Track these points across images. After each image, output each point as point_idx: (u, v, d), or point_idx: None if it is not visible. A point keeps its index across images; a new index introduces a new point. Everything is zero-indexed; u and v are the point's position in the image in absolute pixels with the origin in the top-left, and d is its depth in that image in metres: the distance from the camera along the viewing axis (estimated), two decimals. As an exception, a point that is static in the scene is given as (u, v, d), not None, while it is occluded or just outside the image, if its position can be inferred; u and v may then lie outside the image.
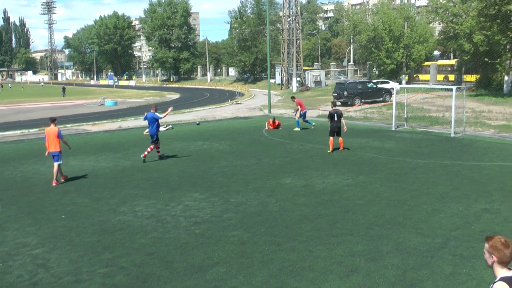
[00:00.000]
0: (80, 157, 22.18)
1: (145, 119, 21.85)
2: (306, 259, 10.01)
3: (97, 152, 23.41)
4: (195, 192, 15.70)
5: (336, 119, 22.23)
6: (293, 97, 33.49)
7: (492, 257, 4.81)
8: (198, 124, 34.46)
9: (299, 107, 30.85)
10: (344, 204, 13.98)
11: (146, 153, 21.11)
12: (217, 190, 15.90)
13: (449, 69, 74.29)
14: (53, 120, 17.60)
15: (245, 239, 11.26)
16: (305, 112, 31.15)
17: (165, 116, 21.61)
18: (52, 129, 17.27)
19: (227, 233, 11.69)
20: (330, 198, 14.67)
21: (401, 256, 10.07)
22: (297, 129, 30.44)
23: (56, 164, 17.19)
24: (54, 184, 17.20)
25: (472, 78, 63.07)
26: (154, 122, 21.11)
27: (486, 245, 4.91)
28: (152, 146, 21.28)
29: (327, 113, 23.09)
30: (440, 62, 76.50)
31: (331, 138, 22.33)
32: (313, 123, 31.18)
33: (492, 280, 4.85)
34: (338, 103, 47.21)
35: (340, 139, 22.47)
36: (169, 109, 22.29)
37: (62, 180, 17.64)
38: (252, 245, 10.88)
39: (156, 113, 21.37)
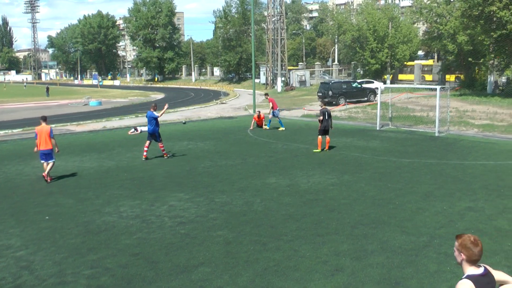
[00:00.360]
0: (65, 158, 22.04)
1: (146, 117, 21.98)
2: (291, 259, 10.01)
3: (81, 153, 23.28)
4: (180, 192, 15.65)
5: (326, 118, 22.27)
6: (266, 94, 33.71)
7: (461, 255, 4.92)
8: (184, 123, 34.43)
9: (271, 104, 30.97)
10: (329, 203, 14.00)
11: (164, 152, 21.64)
12: (202, 190, 15.87)
13: (426, 69, 75.24)
14: (44, 119, 17.71)
15: (230, 239, 11.24)
16: (278, 111, 31.17)
17: (162, 114, 21.66)
18: (44, 127, 17.40)
19: (212, 233, 11.67)
20: (315, 197, 14.69)
21: (386, 254, 10.10)
22: (282, 128, 30.43)
23: (48, 163, 17.44)
24: (49, 181, 17.40)
25: (451, 77, 63.70)
26: (153, 121, 21.14)
27: (456, 243, 5.00)
28: (161, 145, 21.55)
29: (318, 111, 22.99)
30: (416, 62, 77.09)
31: (320, 137, 22.34)
32: (283, 128, 30.63)
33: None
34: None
35: (328, 138, 22.50)
36: (165, 106, 22.24)
37: (45, 177, 17.54)
38: (237, 245, 10.86)
39: (154, 112, 21.33)
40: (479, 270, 4.88)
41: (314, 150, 22.25)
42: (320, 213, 13.07)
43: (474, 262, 4.88)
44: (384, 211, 13.11)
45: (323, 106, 22.92)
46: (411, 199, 14.20)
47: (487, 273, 4.91)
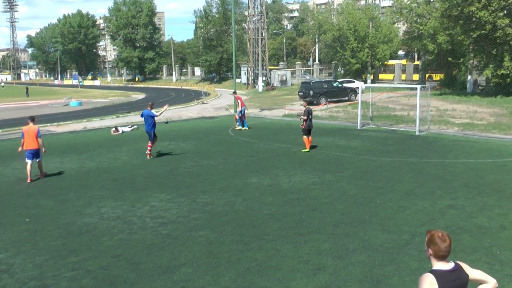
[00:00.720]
0: (45, 159, 21.79)
1: (141, 116, 21.98)
2: (273, 258, 10.01)
3: (62, 154, 23.11)
4: (161, 192, 15.60)
5: (311, 117, 22.34)
6: (234, 92, 33.81)
7: (429, 250, 4.96)
8: (166, 122, 34.32)
9: (239, 101, 31.10)
10: (310, 202, 14.03)
11: (149, 152, 21.60)
12: (184, 190, 15.83)
13: (401, 68, 76.27)
14: (32, 119, 18.06)
15: (212, 239, 11.22)
16: (244, 109, 31.09)
17: (161, 113, 21.73)
18: (32, 127, 17.74)
19: (194, 233, 11.64)
20: (296, 197, 14.71)
21: (367, 253, 10.14)
22: (245, 128, 30.47)
23: (36, 161, 17.83)
24: (29, 181, 17.51)
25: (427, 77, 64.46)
26: (150, 120, 21.25)
27: (426, 239, 5.06)
28: (151, 144, 21.63)
29: (302, 111, 22.90)
30: (391, 62, 77.82)
31: (306, 136, 22.33)
32: (248, 128, 30.73)
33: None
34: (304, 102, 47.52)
35: (310, 138, 22.54)
36: (165, 107, 22.23)
37: (29, 181, 17.58)
38: (219, 245, 10.85)
39: (152, 111, 21.40)
40: (447, 266, 4.89)
41: (303, 150, 22.22)
42: (301, 212, 13.09)
43: (441, 257, 4.90)
44: (366, 210, 13.16)
45: (307, 106, 22.96)
46: (392, 198, 14.27)
47: (456, 270, 4.90)
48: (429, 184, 15.77)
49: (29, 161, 17.62)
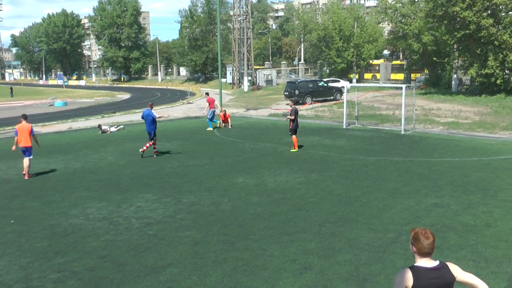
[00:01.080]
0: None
1: (142, 117, 22.30)
2: (259, 258, 10.01)
3: (47, 154, 22.96)
4: (147, 193, 15.55)
5: (297, 117, 22.41)
6: (207, 93, 34.28)
7: (413, 247, 4.96)
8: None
9: (207, 104, 31.45)
10: (296, 202, 14.05)
11: (144, 148, 21.79)
12: (169, 190, 15.79)
13: (377, 68, 76.84)
14: (25, 117, 18.45)
15: (198, 239, 11.20)
16: (213, 112, 31.34)
17: (160, 117, 22.43)
18: (25, 125, 18.17)
19: (180, 233, 11.61)
20: (282, 196, 14.72)
21: (353, 252, 10.17)
22: (209, 128, 30.88)
23: (27, 159, 18.09)
24: (26, 178, 18.01)
25: (400, 76, 64.89)
26: (150, 119, 21.41)
27: (410, 237, 5.07)
28: (150, 143, 21.87)
29: (289, 111, 22.96)
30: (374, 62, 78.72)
31: (295, 136, 22.37)
32: (215, 127, 31.45)
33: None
34: (289, 102, 47.57)
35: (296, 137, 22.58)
36: (166, 115, 22.27)
37: (26, 177, 18.13)
38: (205, 245, 10.83)
39: (152, 111, 21.59)
40: (429, 264, 4.90)
41: (292, 150, 22.23)
42: (287, 212, 13.10)
43: (424, 254, 4.90)
44: (352, 209, 13.20)
45: (293, 105, 23.01)
46: (378, 197, 14.32)
47: (439, 268, 4.88)
48: (414, 183, 15.84)
49: (26, 158, 18.13)
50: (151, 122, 21.44)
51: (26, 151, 18.10)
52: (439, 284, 4.84)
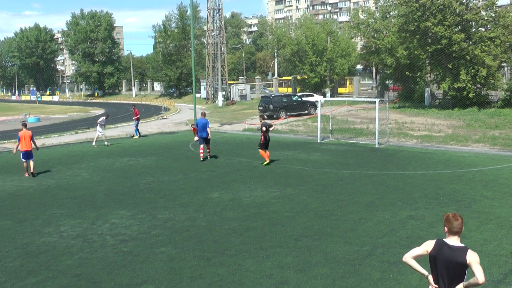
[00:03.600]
0: (2, 177, 21.45)
1: (197, 125, 24.95)
2: (235, 273, 9.96)
3: (19, 171, 22.62)
4: (122, 209, 15.42)
5: (267, 132, 22.53)
6: (133, 106, 38.06)
7: (445, 228, 6.08)
8: (132, 137, 34.69)
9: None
10: (272, 216, 14.03)
11: (201, 153, 24.39)
12: (144, 206, 15.67)
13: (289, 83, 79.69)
14: (25, 125, 22.00)
15: (173, 255, 11.12)
16: (137, 123, 35.71)
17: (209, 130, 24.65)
18: (26, 132, 21.29)
19: (155, 249, 11.52)
20: (258, 211, 14.69)
21: (330, 265, 10.16)
22: (136, 136, 35.03)
23: (29, 161, 21.30)
24: (26, 176, 21.33)
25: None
26: (205, 128, 24.29)
27: (443, 219, 6.20)
28: (202, 147, 24.44)
29: (259, 125, 23.26)
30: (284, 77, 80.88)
31: (263, 150, 22.49)
32: (137, 136, 35.31)
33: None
34: (265, 116, 47.69)
35: (268, 152, 22.65)
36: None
37: (32, 175, 21.23)
38: (181, 261, 10.75)
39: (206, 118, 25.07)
40: (453, 242, 5.97)
41: (264, 163, 22.31)
42: (263, 226, 13.07)
43: (453, 233, 5.98)
44: (327, 222, 13.21)
45: (263, 121, 23.26)
46: (353, 210, 14.36)
47: (458, 249, 5.88)
48: (389, 196, 15.93)
49: (24, 161, 21.41)
50: (206, 129, 24.24)
51: (29, 154, 21.24)
52: (451, 261, 5.88)
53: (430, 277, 6.17)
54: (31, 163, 21.31)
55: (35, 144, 21.59)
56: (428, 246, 6.12)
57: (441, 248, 5.97)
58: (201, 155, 24.27)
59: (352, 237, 11.88)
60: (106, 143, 30.84)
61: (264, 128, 22.54)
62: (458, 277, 5.88)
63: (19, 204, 16.60)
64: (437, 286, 6.05)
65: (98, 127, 31.33)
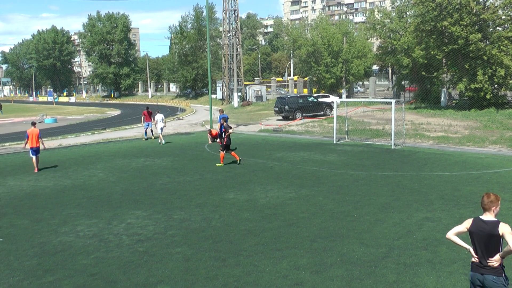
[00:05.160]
0: (19, 177, 21.61)
1: (218, 121, 26.92)
2: (251, 274, 9.96)
3: (36, 172, 22.81)
4: (137, 209, 15.48)
5: (227, 134, 22.79)
6: (147, 108, 36.83)
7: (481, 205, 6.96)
8: (146, 139, 34.38)
9: (143, 116, 34.92)
10: (287, 217, 14.01)
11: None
12: (160, 206, 15.72)
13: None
14: (34, 124, 23.59)
15: (189, 255, 11.14)
16: (147, 124, 34.97)
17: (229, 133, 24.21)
18: (35, 130, 23.12)
19: (171, 250, 11.55)
20: (273, 212, 14.69)
21: (345, 267, 10.14)
22: (144, 138, 34.83)
23: (36, 156, 22.97)
24: (36, 171, 22.77)
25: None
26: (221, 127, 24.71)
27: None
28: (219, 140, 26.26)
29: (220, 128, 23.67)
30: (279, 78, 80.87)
31: (224, 152, 22.99)
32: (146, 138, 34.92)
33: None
34: (279, 117, 47.68)
35: (223, 154, 23.20)
36: (230, 131, 23.74)
37: (36, 171, 22.77)
38: (196, 261, 10.77)
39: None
40: (487, 218, 6.81)
41: (218, 164, 22.81)
42: (279, 227, 13.06)
43: (484, 209, 6.87)
44: (343, 223, 13.18)
45: (223, 123, 23.48)
46: (369, 211, 14.31)
47: (491, 223, 6.72)
48: (405, 197, 15.85)
49: (33, 156, 22.96)
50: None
51: (37, 150, 23.01)
52: (484, 233, 6.71)
53: (471, 249, 6.93)
54: (36, 158, 23.05)
55: (42, 142, 23.37)
56: (467, 223, 6.97)
57: (477, 224, 6.84)
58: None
59: (368, 239, 11.84)
60: (161, 141, 32.00)
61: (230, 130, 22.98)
62: (494, 248, 6.69)
63: (36, 204, 16.72)
64: (477, 256, 6.82)
65: (160, 123, 32.49)
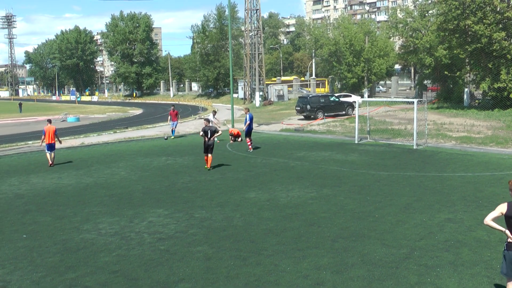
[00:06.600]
0: (42, 175, 21.83)
1: (251, 118, 28.09)
2: (271, 274, 9.96)
3: (59, 170, 23.05)
4: (159, 208, 15.55)
5: (209, 136, 22.10)
6: (173, 106, 37.79)
7: (510, 192, 7.85)
8: (166, 139, 34.42)
9: (170, 116, 35.40)
10: (309, 217, 14.00)
11: (250, 146, 27.53)
12: (181, 205, 15.78)
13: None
14: (50, 121, 24.75)
15: (210, 254, 11.17)
16: (173, 124, 35.31)
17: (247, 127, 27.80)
18: (51, 127, 24.01)
19: (192, 248, 11.59)
20: (294, 211, 14.67)
21: (366, 267, 10.10)
22: (172, 137, 35.32)
23: (51, 153, 23.93)
24: (50, 164, 23.86)
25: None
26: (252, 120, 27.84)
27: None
28: (248, 139, 27.62)
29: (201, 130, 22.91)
30: (284, 78, 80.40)
31: (206, 154, 22.26)
32: (173, 136, 35.49)
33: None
34: (301, 117, 47.59)
35: (210, 156, 22.27)
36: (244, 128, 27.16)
37: (50, 164, 23.84)
38: (217, 260, 10.80)
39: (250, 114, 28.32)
40: None
41: (206, 167, 22.27)
42: (300, 227, 13.05)
43: None
44: (364, 224, 13.13)
45: (207, 124, 22.63)
46: (390, 212, 14.25)
47: None
48: (427, 198, 15.75)
49: (48, 152, 23.94)
50: (250, 123, 27.60)
51: (52, 146, 23.89)
52: None
53: (508, 232, 7.58)
54: (52, 154, 24.08)
55: (58, 138, 24.40)
56: (502, 208, 7.64)
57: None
58: (250, 146, 27.47)
59: (389, 239, 11.78)
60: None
61: (208, 134, 22.15)
62: None
63: (59, 201, 16.87)
64: None
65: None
